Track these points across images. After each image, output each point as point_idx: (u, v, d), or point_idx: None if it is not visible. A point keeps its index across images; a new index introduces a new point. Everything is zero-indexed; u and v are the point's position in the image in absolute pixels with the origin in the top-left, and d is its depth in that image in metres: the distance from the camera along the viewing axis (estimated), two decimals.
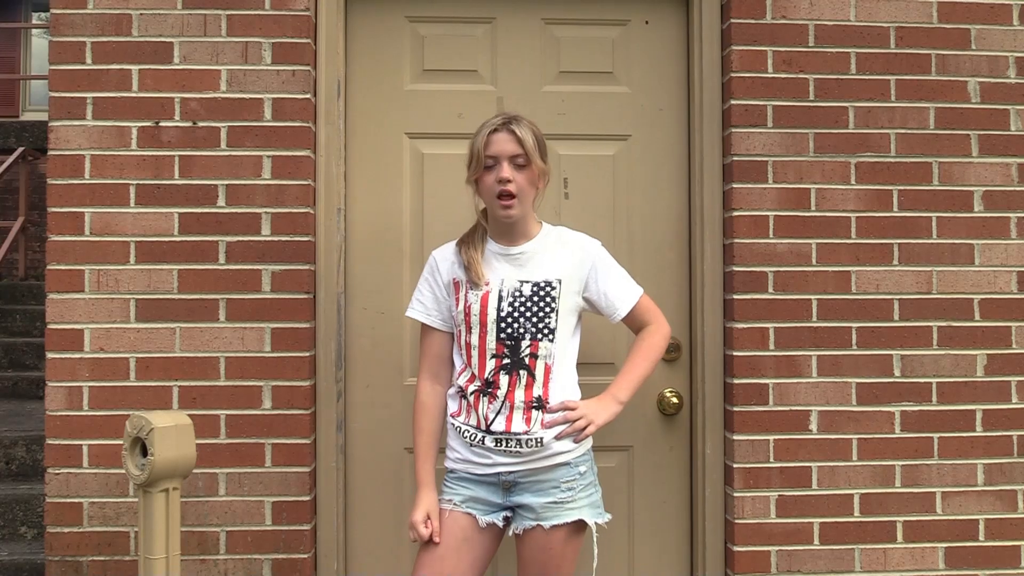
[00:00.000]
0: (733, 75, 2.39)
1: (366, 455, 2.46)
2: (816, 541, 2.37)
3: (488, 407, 1.98)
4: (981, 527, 2.40)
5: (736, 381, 2.37)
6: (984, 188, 2.43)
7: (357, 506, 2.46)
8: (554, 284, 2.02)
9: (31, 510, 3.12)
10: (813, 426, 2.37)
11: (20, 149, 6.12)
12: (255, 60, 2.32)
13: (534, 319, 1.99)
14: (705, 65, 2.46)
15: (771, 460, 2.36)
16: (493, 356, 1.99)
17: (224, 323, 2.30)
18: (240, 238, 2.31)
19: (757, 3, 2.40)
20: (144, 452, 1.91)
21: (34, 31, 7.88)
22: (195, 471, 2.21)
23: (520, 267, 2.03)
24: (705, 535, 2.43)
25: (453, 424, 2.04)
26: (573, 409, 1.98)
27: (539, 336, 1.99)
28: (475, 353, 2.00)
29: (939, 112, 2.42)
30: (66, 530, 2.27)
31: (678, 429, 2.51)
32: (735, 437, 2.36)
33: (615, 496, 2.45)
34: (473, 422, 1.99)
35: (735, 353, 2.37)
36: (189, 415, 2.02)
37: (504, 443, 1.97)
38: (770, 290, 2.38)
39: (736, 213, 2.38)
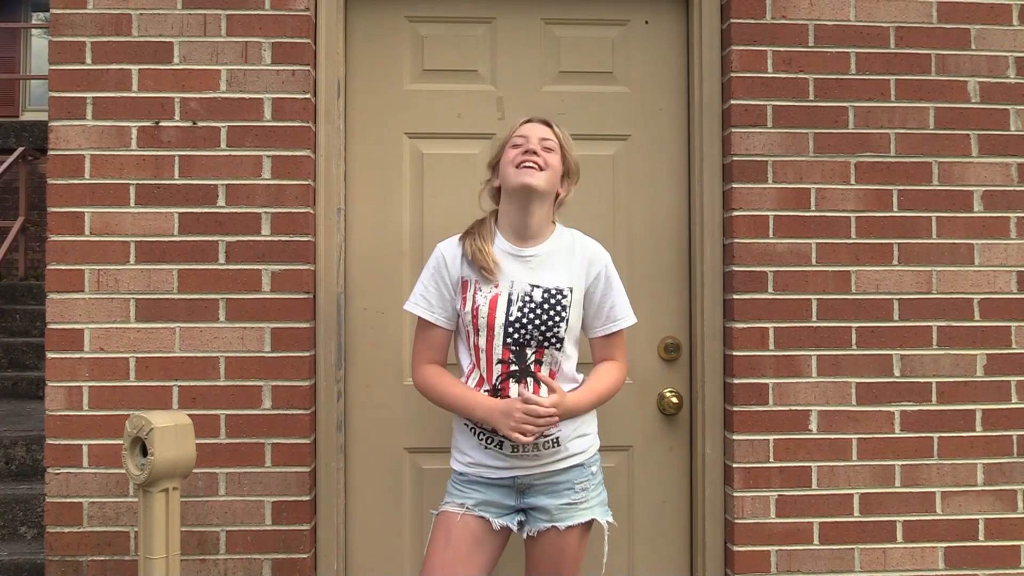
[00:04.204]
0: (733, 75, 2.39)
1: (366, 455, 2.46)
2: (816, 541, 2.37)
3: None
4: (981, 527, 2.40)
5: (736, 381, 2.37)
6: (984, 188, 2.43)
7: (357, 506, 2.46)
8: (565, 292, 1.97)
9: (31, 510, 3.12)
10: (813, 426, 2.37)
11: (20, 149, 6.11)
12: (255, 60, 2.32)
13: (543, 327, 1.94)
14: (705, 65, 2.46)
15: (771, 460, 2.36)
16: (499, 362, 1.95)
17: (224, 323, 2.30)
18: (240, 238, 2.31)
19: (757, 3, 2.40)
20: (144, 452, 1.91)
21: (34, 31, 7.87)
22: (195, 471, 2.21)
23: (531, 270, 1.99)
24: (705, 535, 2.43)
25: (467, 425, 1.99)
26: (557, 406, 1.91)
27: (546, 344, 1.95)
28: (483, 356, 1.97)
29: (939, 112, 2.42)
30: (66, 530, 2.27)
31: (678, 429, 2.51)
32: (735, 437, 2.36)
33: (615, 496, 2.44)
34: (488, 426, 1.94)
35: (735, 353, 2.37)
36: (189, 415, 2.02)
37: (522, 447, 1.93)
38: (770, 290, 2.38)
39: (736, 213, 2.38)
